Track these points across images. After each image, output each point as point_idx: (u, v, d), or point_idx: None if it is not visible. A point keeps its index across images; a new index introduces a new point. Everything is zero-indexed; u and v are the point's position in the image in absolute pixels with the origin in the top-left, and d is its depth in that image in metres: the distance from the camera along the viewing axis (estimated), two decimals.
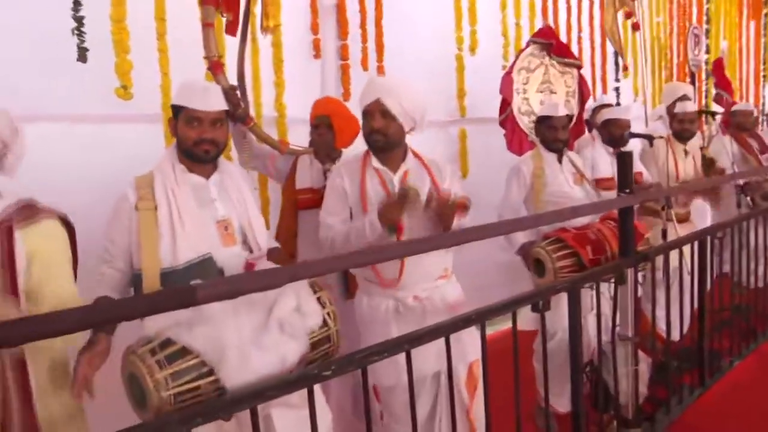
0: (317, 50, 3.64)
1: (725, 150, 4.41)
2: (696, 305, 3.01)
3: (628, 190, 2.40)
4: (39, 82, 2.53)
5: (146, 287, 1.74)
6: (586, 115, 4.25)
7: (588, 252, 2.63)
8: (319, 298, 1.72)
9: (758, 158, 4.74)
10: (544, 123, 3.13)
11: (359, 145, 2.50)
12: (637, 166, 3.55)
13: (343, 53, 3.76)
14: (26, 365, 1.58)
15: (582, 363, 2.39)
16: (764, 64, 8.25)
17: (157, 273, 1.75)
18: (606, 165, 3.51)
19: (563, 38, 4.98)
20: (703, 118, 5.49)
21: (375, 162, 2.29)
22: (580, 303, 2.23)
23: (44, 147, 2.50)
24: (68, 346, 1.70)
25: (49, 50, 2.60)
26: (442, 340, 1.77)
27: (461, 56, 4.43)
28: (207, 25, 2.59)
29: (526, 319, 2.30)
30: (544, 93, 4.18)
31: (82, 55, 2.69)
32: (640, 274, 2.65)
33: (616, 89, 5.82)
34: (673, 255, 2.90)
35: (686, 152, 3.90)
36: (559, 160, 3.11)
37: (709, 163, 3.91)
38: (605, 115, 3.73)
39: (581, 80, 4.36)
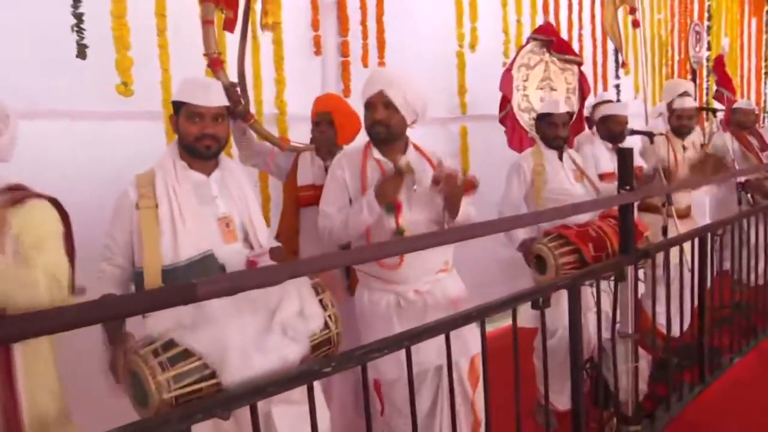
0: (318, 47, 3.64)
1: (726, 147, 4.41)
2: (696, 302, 3.01)
3: (628, 187, 2.40)
4: (39, 80, 2.53)
5: (148, 284, 1.75)
6: (586, 112, 4.25)
7: (590, 249, 2.63)
8: (321, 300, 1.72)
9: (758, 156, 4.74)
10: (544, 120, 3.13)
11: (360, 141, 2.50)
12: (637, 161, 3.55)
13: (343, 50, 3.76)
14: (12, 362, 1.51)
15: (582, 360, 2.39)
16: (765, 61, 8.25)
17: (158, 270, 1.75)
18: (606, 161, 3.53)
19: (564, 35, 4.98)
20: (704, 115, 5.49)
21: (376, 153, 2.29)
22: (581, 300, 2.23)
23: (45, 144, 2.51)
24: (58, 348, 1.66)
25: (50, 47, 2.60)
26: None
27: (462, 53, 4.43)
28: (206, 23, 2.59)
29: (527, 316, 2.30)
30: (544, 90, 4.18)
31: (82, 52, 2.69)
32: (640, 272, 2.65)
33: (617, 86, 5.81)
34: (674, 252, 2.91)
35: (684, 148, 3.91)
36: (560, 157, 3.10)
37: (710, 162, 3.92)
38: (603, 111, 3.74)
39: (582, 77, 4.35)
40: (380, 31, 3.91)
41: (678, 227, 3.21)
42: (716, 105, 5.76)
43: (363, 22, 3.83)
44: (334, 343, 1.71)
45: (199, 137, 1.88)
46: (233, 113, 2.47)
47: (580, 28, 5.40)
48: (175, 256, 1.77)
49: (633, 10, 5.31)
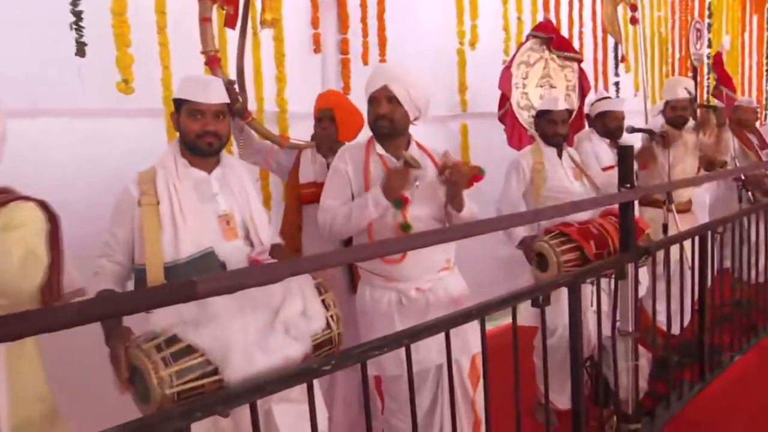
0: (317, 44, 3.63)
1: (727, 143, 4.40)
2: (697, 300, 3.01)
3: (628, 185, 2.40)
4: (40, 77, 2.53)
5: (150, 281, 1.75)
6: (586, 110, 4.24)
7: (592, 246, 2.62)
8: (323, 300, 1.72)
9: (758, 154, 4.74)
10: (543, 117, 3.12)
11: (362, 138, 2.50)
12: None
13: (343, 47, 3.76)
14: None
15: (582, 359, 2.39)
16: (767, 58, 8.23)
17: (160, 267, 1.76)
18: (607, 155, 3.53)
19: (564, 32, 4.97)
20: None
21: (379, 149, 2.29)
22: (581, 298, 2.23)
23: (45, 142, 2.51)
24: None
25: (50, 45, 2.60)
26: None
27: (462, 50, 4.42)
28: (204, 20, 2.59)
29: (527, 315, 2.30)
30: (544, 87, 4.17)
31: (81, 49, 2.69)
32: (641, 271, 2.65)
33: (616, 84, 5.81)
34: (674, 249, 2.90)
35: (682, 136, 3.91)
36: (559, 155, 3.10)
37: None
38: (600, 107, 3.74)
39: (582, 74, 4.35)
40: (381, 29, 3.91)
41: (678, 223, 3.21)
42: (716, 103, 5.74)
43: (363, 20, 3.83)
44: (336, 344, 1.72)
45: (200, 134, 1.88)
46: (231, 111, 2.47)
47: (581, 25, 5.39)
48: (175, 254, 1.78)
49: (634, 8, 5.30)
